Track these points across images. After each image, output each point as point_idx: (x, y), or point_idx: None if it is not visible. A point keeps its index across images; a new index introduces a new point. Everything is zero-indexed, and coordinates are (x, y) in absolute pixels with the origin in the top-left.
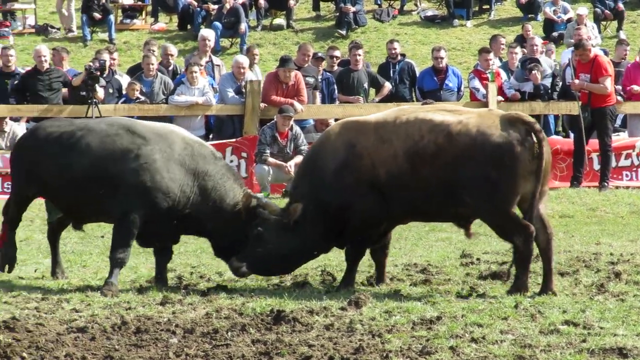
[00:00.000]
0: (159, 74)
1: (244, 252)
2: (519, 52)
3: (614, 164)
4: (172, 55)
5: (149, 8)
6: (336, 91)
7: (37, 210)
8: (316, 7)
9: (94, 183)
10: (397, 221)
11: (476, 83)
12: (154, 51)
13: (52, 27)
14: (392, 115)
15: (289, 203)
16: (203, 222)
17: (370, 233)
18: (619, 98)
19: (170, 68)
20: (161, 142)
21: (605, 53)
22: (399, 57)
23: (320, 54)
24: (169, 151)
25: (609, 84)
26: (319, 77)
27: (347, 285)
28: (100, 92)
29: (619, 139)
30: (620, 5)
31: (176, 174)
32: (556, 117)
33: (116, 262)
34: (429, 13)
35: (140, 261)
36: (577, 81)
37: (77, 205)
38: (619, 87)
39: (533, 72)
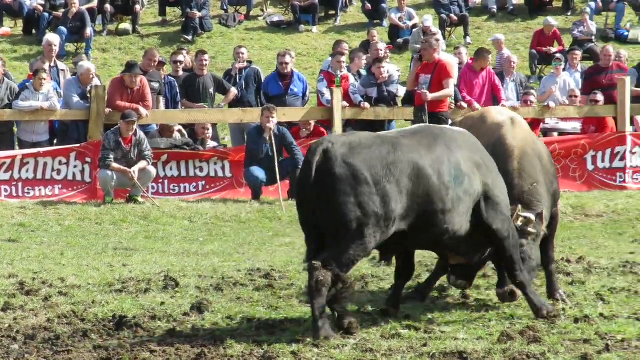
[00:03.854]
0: (5, 79)
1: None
2: (363, 58)
3: None
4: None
5: None
6: (179, 95)
7: None
8: (162, 12)
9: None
10: None
11: (323, 87)
12: None
13: None
14: (491, 124)
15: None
16: None
17: None
18: (464, 105)
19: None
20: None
21: None
22: (246, 64)
23: (161, 59)
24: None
25: (451, 85)
26: (162, 81)
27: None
28: None
29: None
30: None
31: None
32: None
33: (529, 283)
34: (275, 18)
35: None
36: (428, 94)
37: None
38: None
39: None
